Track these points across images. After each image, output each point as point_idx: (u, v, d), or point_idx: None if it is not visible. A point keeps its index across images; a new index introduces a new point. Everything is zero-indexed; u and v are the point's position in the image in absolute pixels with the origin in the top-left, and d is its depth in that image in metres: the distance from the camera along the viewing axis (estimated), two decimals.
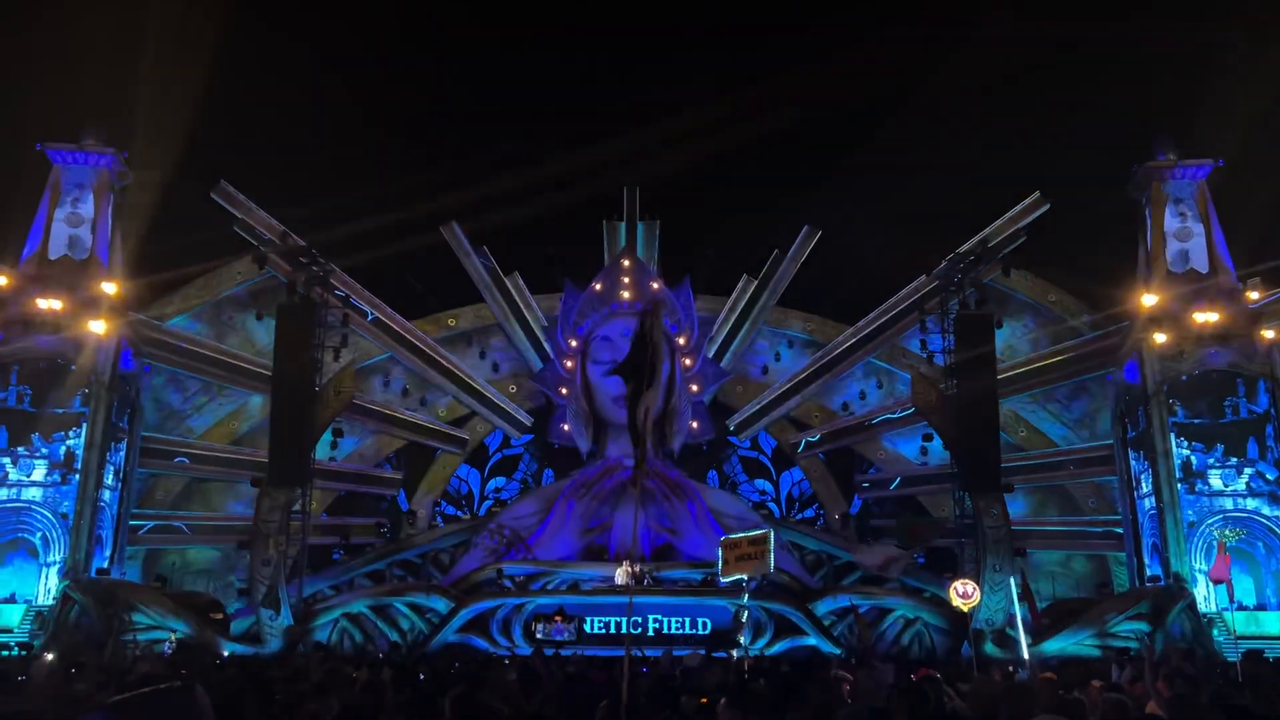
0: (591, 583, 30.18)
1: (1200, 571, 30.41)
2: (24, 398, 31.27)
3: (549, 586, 30.23)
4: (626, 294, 35.10)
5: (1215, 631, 28.83)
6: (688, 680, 12.04)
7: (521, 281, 38.57)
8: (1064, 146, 42.73)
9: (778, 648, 27.80)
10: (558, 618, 22.35)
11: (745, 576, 19.01)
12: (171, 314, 35.43)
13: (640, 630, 28.43)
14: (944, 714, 8.38)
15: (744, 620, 24.83)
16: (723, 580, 20.46)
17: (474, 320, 39.46)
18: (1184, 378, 32.38)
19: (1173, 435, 31.93)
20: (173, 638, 26.94)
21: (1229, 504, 31.50)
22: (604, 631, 28.28)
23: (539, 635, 19.98)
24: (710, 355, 37.72)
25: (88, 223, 32.84)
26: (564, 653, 21.45)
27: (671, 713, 8.63)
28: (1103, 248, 38.02)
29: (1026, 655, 18.08)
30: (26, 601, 29.71)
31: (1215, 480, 31.67)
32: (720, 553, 19.01)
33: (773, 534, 18.50)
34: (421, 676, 13.79)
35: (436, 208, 38.12)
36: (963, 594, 24.21)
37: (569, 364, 36.47)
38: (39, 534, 30.43)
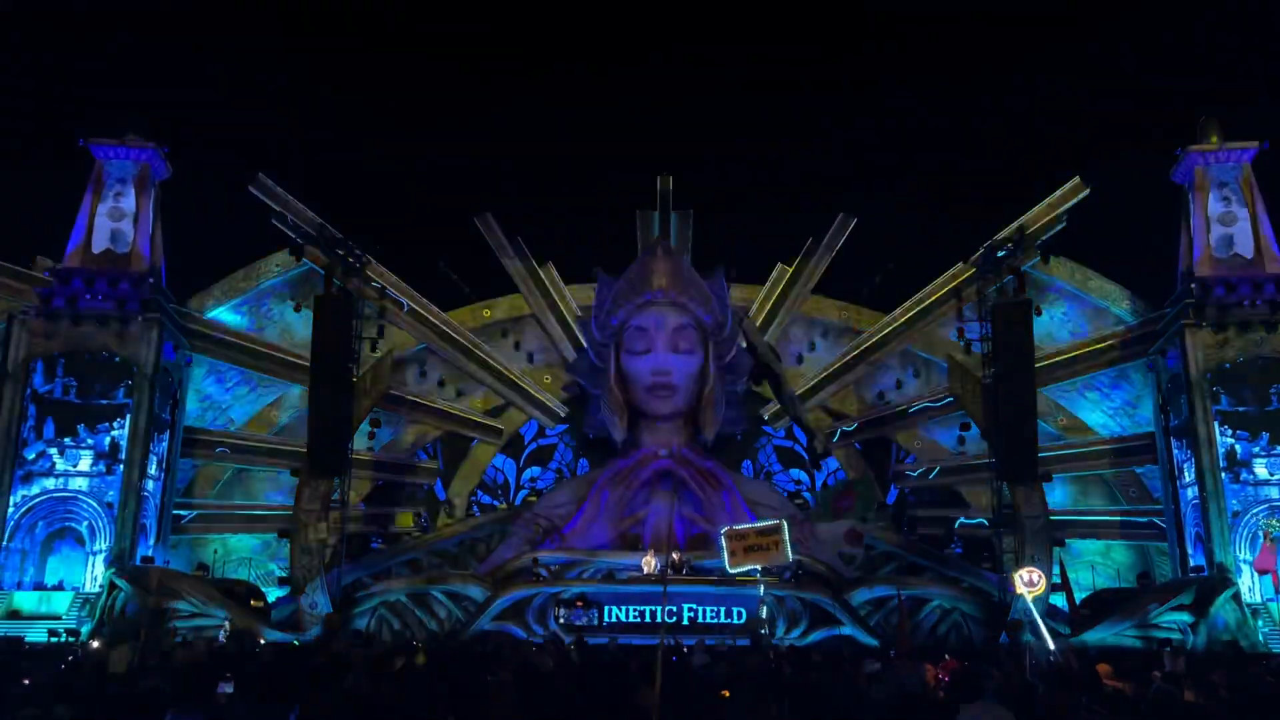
0: (626, 572, 30.24)
1: (1245, 562, 29.92)
2: (69, 389, 31.93)
3: (584, 575, 30.33)
4: (660, 284, 35.00)
5: (1260, 623, 28.36)
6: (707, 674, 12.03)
7: (556, 272, 38.65)
8: (1105, 130, 42.10)
9: (813, 637, 27.70)
10: (578, 603, 22.42)
11: (758, 568, 18.91)
12: (211, 306, 35.93)
13: (675, 619, 28.45)
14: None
15: (763, 613, 24.76)
16: (730, 572, 20.33)
17: (509, 311, 39.61)
18: (1228, 365, 31.82)
19: (1216, 423, 31.40)
20: (227, 626, 27.33)
21: (1274, 493, 30.95)
22: (639, 620, 28.35)
23: (560, 621, 20.12)
24: (745, 345, 37.54)
25: (129, 217, 33.40)
26: (589, 640, 21.44)
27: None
28: (1145, 233, 37.46)
29: (1052, 645, 17.96)
30: (74, 589, 30.38)
31: (1260, 469, 31.12)
32: (724, 544, 18.85)
33: (785, 525, 18.36)
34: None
35: (472, 199, 38.41)
36: (1028, 582, 24.13)
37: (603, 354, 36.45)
38: (85, 523, 31.10)
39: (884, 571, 33.80)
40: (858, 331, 38.71)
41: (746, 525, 19.14)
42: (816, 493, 36.92)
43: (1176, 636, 27.29)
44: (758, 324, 37.84)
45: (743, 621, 28.01)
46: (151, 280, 32.72)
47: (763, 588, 20.23)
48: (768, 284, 38.54)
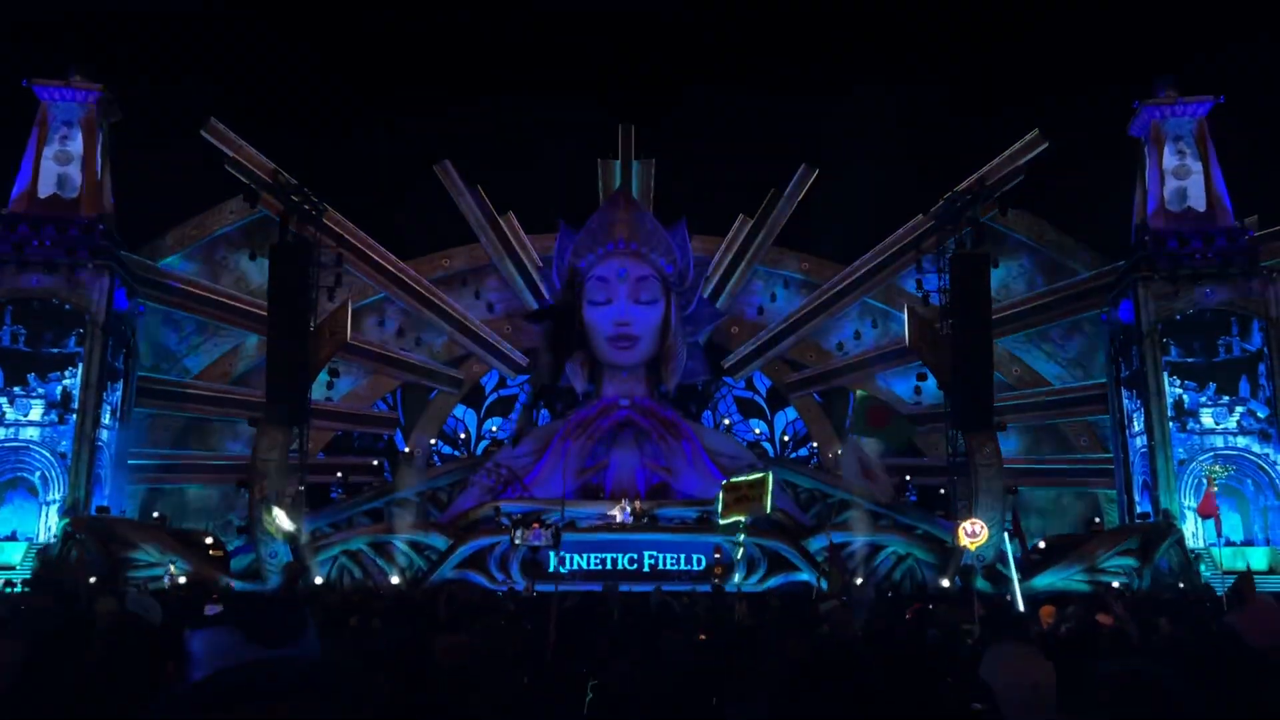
0: (588, 520, 30.47)
1: (1189, 508, 30.75)
2: (19, 338, 31.27)
3: (546, 524, 30.51)
4: (622, 234, 34.85)
5: (1202, 566, 29.26)
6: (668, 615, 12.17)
7: (516, 221, 38.29)
8: (1063, 84, 42.32)
9: (771, 583, 28.17)
10: (535, 524, 22.62)
11: (742, 518, 19.17)
12: (165, 253, 35.23)
13: (636, 567, 28.79)
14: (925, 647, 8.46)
15: (719, 557, 25.28)
16: (721, 523, 20.70)
17: (468, 260, 39.26)
18: (1178, 317, 32.45)
19: (1166, 374, 32.09)
20: (171, 569, 26.88)
21: (1220, 442, 31.78)
22: (600, 568, 28.64)
23: (517, 542, 20.36)
24: (706, 295, 37.62)
25: (77, 160, 32.50)
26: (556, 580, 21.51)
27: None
28: (1102, 186, 37.84)
29: (1020, 592, 18.39)
30: (28, 539, 30.00)
31: (1207, 418, 31.91)
32: (720, 495, 19.14)
33: (771, 478, 18.60)
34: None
35: (431, 146, 37.85)
36: (971, 533, 24.62)
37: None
38: (38, 473, 30.63)
39: (841, 519, 34.31)
40: (818, 283, 38.90)
41: (742, 479, 19.31)
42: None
43: (1122, 580, 28.13)
44: (718, 275, 37.91)
45: (701, 568, 28.47)
46: (102, 226, 31.95)
47: (742, 535, 20.43)
48: (729, 235, 38.51)
